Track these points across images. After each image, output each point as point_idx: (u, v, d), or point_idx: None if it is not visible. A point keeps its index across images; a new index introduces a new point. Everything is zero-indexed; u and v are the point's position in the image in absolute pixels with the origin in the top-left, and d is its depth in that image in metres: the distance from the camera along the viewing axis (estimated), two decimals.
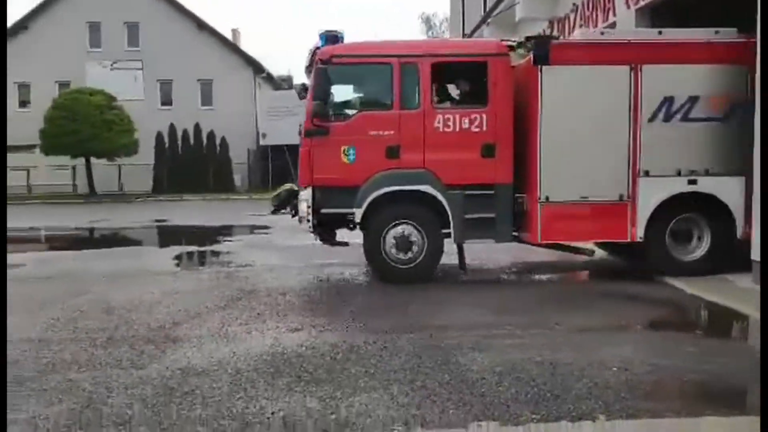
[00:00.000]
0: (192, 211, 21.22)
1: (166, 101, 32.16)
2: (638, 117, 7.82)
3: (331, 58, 7.80)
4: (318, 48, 7.96)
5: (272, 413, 3.97)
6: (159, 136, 29.94)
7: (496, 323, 6.03)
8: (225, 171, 30.09)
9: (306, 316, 6.49)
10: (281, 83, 35.83)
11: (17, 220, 19.19)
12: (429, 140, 7.85)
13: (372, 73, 8.15)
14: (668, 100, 7.80)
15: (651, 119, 7.82)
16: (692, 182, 7.88)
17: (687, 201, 7.92)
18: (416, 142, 7.83)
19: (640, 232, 7.87)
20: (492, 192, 7.90)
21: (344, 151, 7.89)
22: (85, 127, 25.97)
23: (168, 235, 16.03)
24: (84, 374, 4.76)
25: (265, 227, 14.89)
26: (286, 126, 28.71)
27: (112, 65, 31.65)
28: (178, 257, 11.24)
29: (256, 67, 33.24)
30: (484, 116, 7.85)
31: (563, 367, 4.75)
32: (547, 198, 7.83)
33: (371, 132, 7.88)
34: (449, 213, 7.82)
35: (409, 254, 7.93)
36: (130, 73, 31.67)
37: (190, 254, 11.83)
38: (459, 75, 8.41)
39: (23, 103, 32.00)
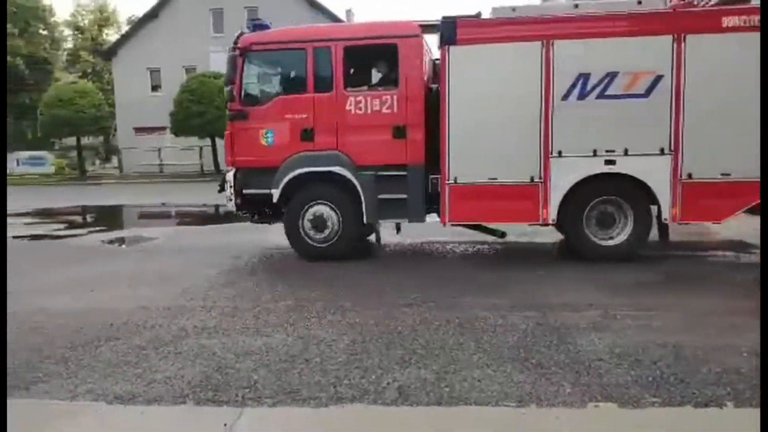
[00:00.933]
0: None
1: None
2: (550, 95, 7.50)
3: (251, 45, 8.16)
4: (239, 36, 8.23)
5: (387, 383, 4.09)
6: None
7: (613, 304, 5.84)
8: None
9: (418, 291, 6.57)
10: None
11: (149, 197, 20.72)
12: (341, 123, 8.00)
13: (289, 59, 8.33)
14: (583, 77, 7.45)
15: (564, 97, 7.49)
16: (610, 162, 7.51)
17: (608, 183, 7.61)
18: (329, 124, 8.02)
19: (552, 215, 7.68)
20: (404, 173, 7.95)
21: (263, 134, 8.19)
22: (211, 109, 27.42)
23: None
24: (213, 340, 5.12)
25: None
26: None
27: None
28: None
29: None
30: (395, 98, 7.88)
31: (687, 350, 4.54)
32: (455, 179, 7.77)
33: (287, 115, 8.12)
34: (360, 193, 7.98)
35: (325, 233, 8.19)
36: None
37: None
38: (371, 58, 8.40)
39: (154, 88, 34.23)
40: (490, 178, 7.74)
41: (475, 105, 7.64)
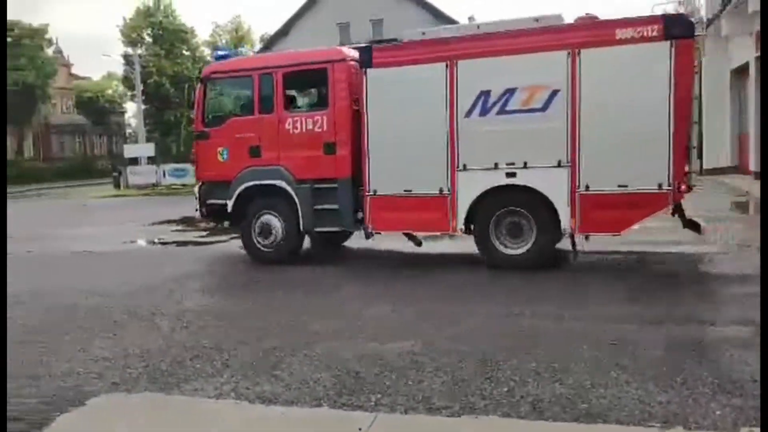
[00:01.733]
0: None
1: None
2: (454, 112, 7.90)
3: (210, 74, 9.53)
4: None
5: (521, 396, 4.00)
6: None
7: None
8: None
9: (552, 302, 6.38)
10: None
11: None
12: (282, 141, 8.88)
13: (240, 85, 9.50)
14: (484, 94, 7.76)
15: (468, 114, 7.86)
16: (510, 175, 7.78)
17: (511, 194, 7.88)
18: (272, 142, 8.94)
19: (459, 224, 8.07)
20: (335, 185, 8.67)
21: (220, 151, 9.30)
22: None
23: None
24: (343, 344, 5.26)
25: None
26: None
27: None
28: None
29: None
30: (325, 118, 8.66)
31: None
32: (375, 191, 8.41)
33: (239, 135, 9.11)
34: (298, 204, 8.80)
35: (270, 239, 9.08)
36: None
37: None
38: (306, 82, 9.32)
39: None
40: (405, 190, 8.31)
41: (390, 122, 8.24)
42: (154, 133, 49.90)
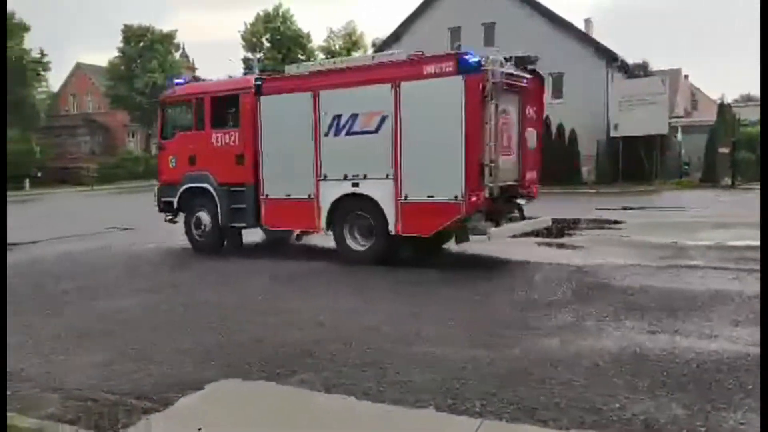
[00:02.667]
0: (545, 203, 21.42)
1: None
2: (318, 132, 9.87)
3: (165, 99, 12.28)
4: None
5: (633, 414, 3.85)
6: None
7: None
8: (572, 164, 29.70)
9: (662, 318, 6.09)
10: (636, 71, 33.87)
11: None
12: (209, 152, 11.17)
13: (186, 107, 11.89)
14: (337, 118, 9.65)
15: (326, 134, 9.81)
16: (355, 185, 9.55)
17: (359, 201, 9.52)
18: (203, 153, 11.29)
19: (322, 225, 9.97)
20: (243, 189, 10.80)
21: (171, 159, 11.92)
22: None
23: None
24: (445, 349, 5.27)
25: (616, 222, 14.35)
26: (640, 115, 27.16)
27: None
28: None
29: (610, 57, 31.98)
30: (237, 134, 10.90)
31: None
32: (267, 195, 10.58)
33: (182, 147, 11.65)
34: (218, 203, 11.05)
35: (200, 229, 11.45)
36: None
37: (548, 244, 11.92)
38: (225, 105, 11.24)
39: None
40: (286, 195, 10.35)
41: (276, 139, 10.38)
42: None
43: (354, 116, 9.45)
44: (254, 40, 55.84)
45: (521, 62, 9.43)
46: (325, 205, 9.82)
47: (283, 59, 54.16)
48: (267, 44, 56.40)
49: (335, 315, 6.58)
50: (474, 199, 8.53)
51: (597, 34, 35.11)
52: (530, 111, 9.70)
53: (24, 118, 45.14)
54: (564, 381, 4.42)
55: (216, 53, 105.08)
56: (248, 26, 56.48)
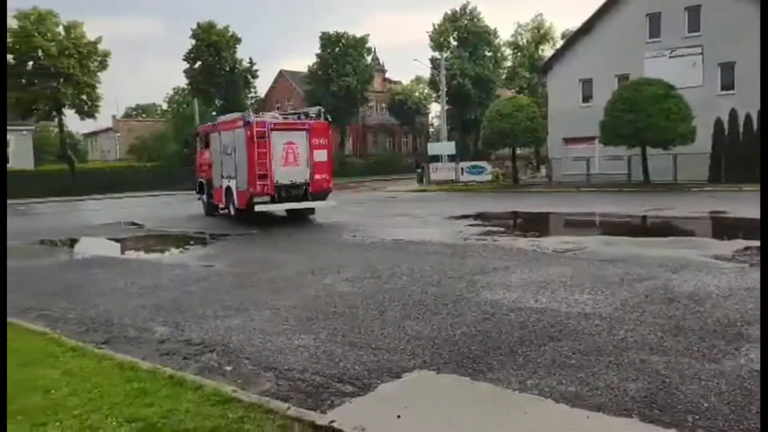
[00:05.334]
0: (737, 203, 19.33)
1: (727, 86, 30.01)
2: (221, 153, 19.39)
3: (195, 132, 24.20)
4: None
5: None
6: (718, 123, 28.24)
7: None
8: None
9: None
10: None
11: (575, 206, 21.09)
12: (208, 163, 20.68)
13: (203, 136, 21.55)
14: (224, 146, 18.95)
15: (221, 153, 19.26)
16: (231, 180, 18.90)
17: (229, 189, 18.97)
18: (206, 164, 20.84)
19: (223, 200, 19.44)
20: (211, 182, 20.75)
21: (199, 165, 21.99)
22: (642, 116, 26.49)
23: (724, 228, 14.99)
24: (655, 357, 4.94)
25: None
26: None
27: (670, 54, 31.37)
28: (738, 251, 10.27)
29: None
30: (209, 155, 20.74)
31: None
32: (215, 186, 20.40)
33: (205, 158, 20.97)
34: (205, 190, 21.35)
35: (204, 202, 21.67)
36: (687, 60, 30.75)
37: (747, 248, 10.70)
38: (209, 136, 20.69)
39: (585, 98, 34.69)
40: (219, 185, 19.66)
41: (215, 158, 19.88)
42: (454, 131, 52.48)
43: (228, 145, 18.31)
44: (441, 39, 56.57)
45: (306, 115, 18.42)
46: (222, 190, 18.98)
47: (470, 57, 54.38)
48: (454, 43, 56.87)
49: None
50: (253, 190, 16.47)
51: None
52: (318, 141, 17.33)
53: None
54: None
55: (406, 54, 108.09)
56: (435, 26, 57.40)
